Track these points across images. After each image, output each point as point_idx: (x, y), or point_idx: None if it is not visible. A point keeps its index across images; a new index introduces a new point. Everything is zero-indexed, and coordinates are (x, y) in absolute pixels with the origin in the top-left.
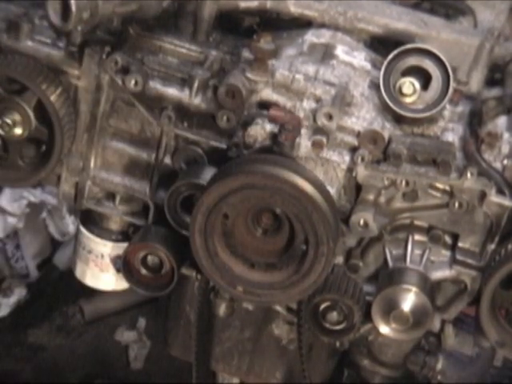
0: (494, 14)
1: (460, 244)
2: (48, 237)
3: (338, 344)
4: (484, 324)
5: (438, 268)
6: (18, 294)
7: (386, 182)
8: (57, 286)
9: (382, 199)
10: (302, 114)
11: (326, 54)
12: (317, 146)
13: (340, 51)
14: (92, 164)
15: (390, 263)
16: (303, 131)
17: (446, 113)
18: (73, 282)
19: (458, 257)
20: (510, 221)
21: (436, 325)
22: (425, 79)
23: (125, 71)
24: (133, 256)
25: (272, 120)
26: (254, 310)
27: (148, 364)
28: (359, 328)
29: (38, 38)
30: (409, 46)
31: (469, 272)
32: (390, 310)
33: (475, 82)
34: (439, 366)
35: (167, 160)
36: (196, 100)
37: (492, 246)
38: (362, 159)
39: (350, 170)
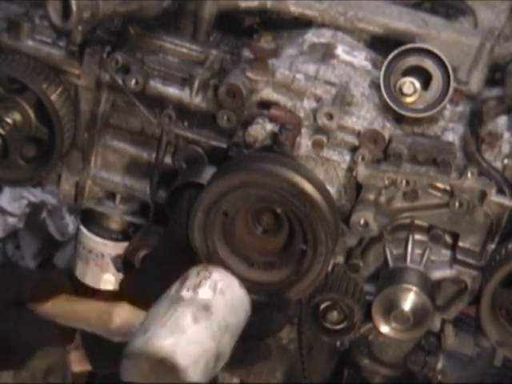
0: (494, 14)
1: (460, 244)
2: (48, 237)
3: (338, 344)
4: (484, 324)
5: (439, 267)
6: None
7: (387, 182)
8: None
9: (383, 199)
10: (302, 114)
11: (326, 53)
12: (317, 145)
13: (340, 51)
14: (92, 163)
15: (391, 263)
16: (303, 131)
17: (447, 112)
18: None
19: (459, 256)
20: (510, 220)
21: (436, 324)
22: (425, 79)
23: (125, 71)
24: (133, 255)
25: (272, 119)
26: None
27: None
28: (359, 327)
29: (39, 38)
30: (409, 45)
31: (469, 271)
32: (391, 309)
33: (475, 82)
34: (439, 365)
35: (168, 159)
36: (196, 99)
37: (492, 246)
38: (363, 159)
39: (351, 169)
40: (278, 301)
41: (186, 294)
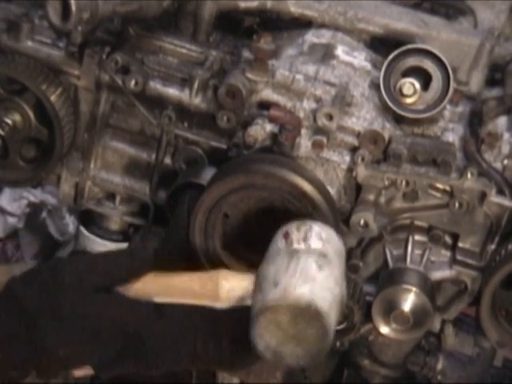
0: (494, 14)
1: (460, 244)
2: (48, 237)
3: (338, 344)
4: (484, 324)
5: (438, 268)
6: None
7: (386, 182)
8: None
9: (383, 199)
10: (302, 114)
11: (326, 54)
12: (317, 146)
13: (340, 51)
14: (92, 164)
15: (390, 263)
16: (303, 131)
17: (447, 113)
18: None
19: (458, 257)
20: (510, 221)
21: (436, 325)
22: (425, 79)
23: (125, 71)
24: None
25: (272, 120)
26: None
27: None
28: (359, 328)
29: (38, 38)
30: (409, 46)
31: (469, 272)
32: (391, 310)
33: (475, 82)
34: (439, 366)
35: (167, 160)
36: (196, 100)
37: (492, 247)
38: (362, 159)
39: (350, 170)
40: None
41: (299, 246)
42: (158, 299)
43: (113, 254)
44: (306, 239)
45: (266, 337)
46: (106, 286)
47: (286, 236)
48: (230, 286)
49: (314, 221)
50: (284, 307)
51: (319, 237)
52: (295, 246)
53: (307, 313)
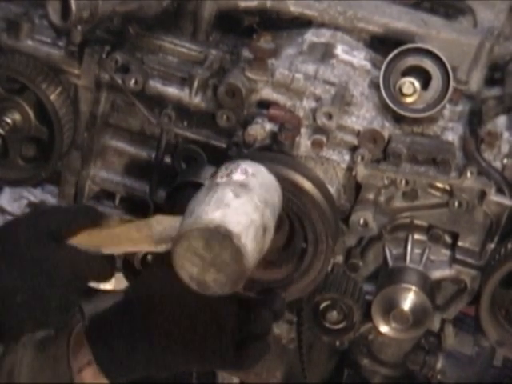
0: (493, 14)
1: (460, 243)
2: None
3: (337, 343)
4: (484, 323)
5: (438, 267)
6: None
7: (386, 182)
8: None
9: (382, 198)
10: (301, 114)
11: (325, 53)
12: (317, 145)
13: (340, 50)
14: (92, 163)
15: (390, 262)
16: (303, 130)
17: (446, 112)
18: None
19: (458, 256)
20: (509, 220)
21: (436, 324)
22: (425, 79)
23: (125, 70)
24: (133, 255)
25: (272, 119)
26: None
27: None
28: (359, 327)
29: (38, 38)
30: (409, 45)
31: (468, 271)
32: (390, 309)
33: (475, 82)
34: (439, 365)
35: (167, 159)
36: (196, 99)
37: (492, 246)
38: (362, 158)
39: (350, 169)
40: (265, 296)
41: (220, 180)
42: (105, 250)
43: (60, 207)
44: (229, 174)
45: (187, 266)
46: (57, 232)
47: (214, 174)
48: (162, 228)
49: (243, 160)
50: (196, 231)
51: (244, 171)
52: (217, 180)
53: (218, 234)
